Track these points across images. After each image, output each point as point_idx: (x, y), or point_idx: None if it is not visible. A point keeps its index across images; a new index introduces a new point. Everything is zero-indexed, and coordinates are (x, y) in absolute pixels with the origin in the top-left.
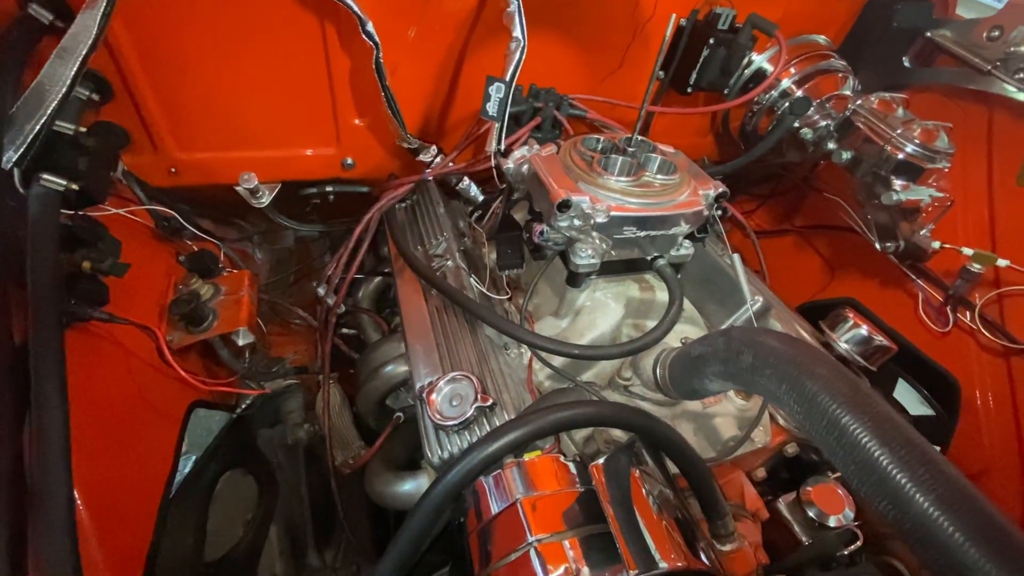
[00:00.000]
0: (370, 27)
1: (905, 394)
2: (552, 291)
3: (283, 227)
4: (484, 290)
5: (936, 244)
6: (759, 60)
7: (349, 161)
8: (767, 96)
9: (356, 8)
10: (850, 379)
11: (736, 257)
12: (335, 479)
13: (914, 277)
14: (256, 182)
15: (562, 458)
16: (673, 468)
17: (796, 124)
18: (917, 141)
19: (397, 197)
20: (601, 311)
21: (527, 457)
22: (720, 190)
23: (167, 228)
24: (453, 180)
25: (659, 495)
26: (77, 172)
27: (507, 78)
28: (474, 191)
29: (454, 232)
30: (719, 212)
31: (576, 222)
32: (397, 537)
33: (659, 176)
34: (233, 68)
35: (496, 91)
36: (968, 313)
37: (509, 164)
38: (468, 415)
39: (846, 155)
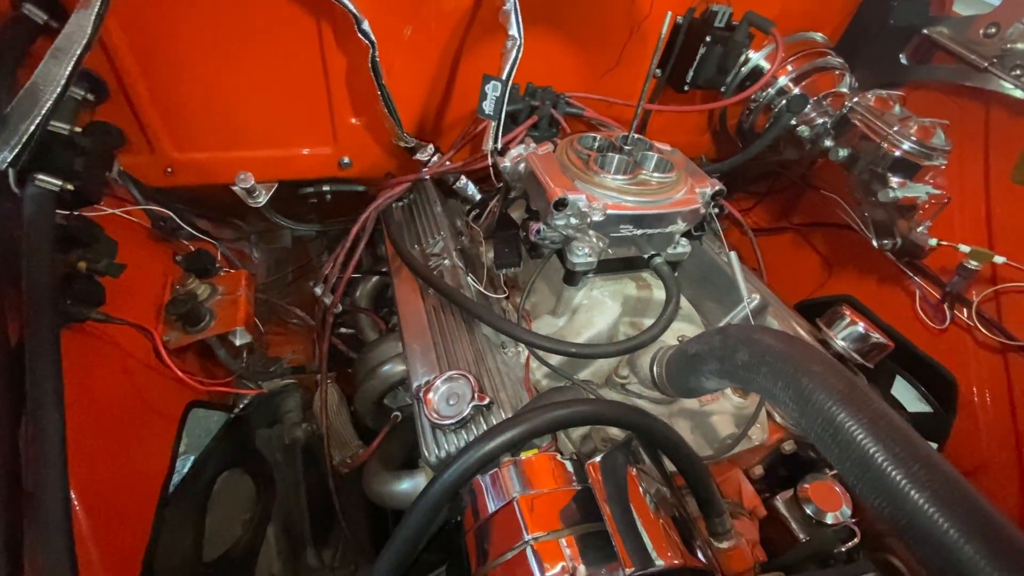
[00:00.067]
0: (366, 26)
1: (903, 391)
2: (549, 289)
3: (280, 227)
4: (481, 289)
5: (933, 241)
6: (756, 58)
7: (346, 160)
8: (764, 94)
9: (352, 7)
10: (846, 376)
11: (733, 255)
12: (333, 478)
13: (911, 274)
14: (253, 182)
15: (559, 456)
16: (670, 466)
17: (793, 122)
18: (914, 138)
19: (394, 196)
20: (598, 309)
21: (524, 455)
22: (717, 188)
23: (163, 228)
24: (450, 179)
25: (656, 493)
26: (72, 172)
27: (503, 76)
28: (471, 190)
29: (451, 231)
30: (716, 210)
31: (573, 220)
32: (394, 536)
33: (656, 174)
34: (229, 67)
35: (492, 89)
36: (965, 310)
37: (506, 163)
38: (465, 414)
39: (843, 152)
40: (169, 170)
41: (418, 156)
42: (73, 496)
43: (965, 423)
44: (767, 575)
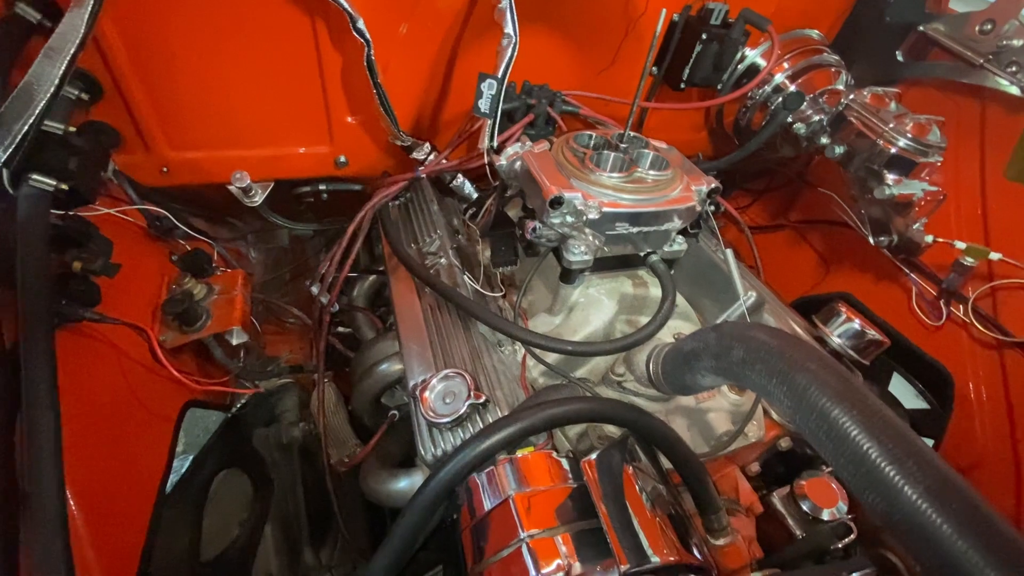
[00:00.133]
0: (361, 24)
1: (900, 388)
2: (546, 288)
3: (277, 226)
4: (478, 287)
5: (929, 238)
6: (752, 55)
7: (342, 159)
8: (760, 91)
9: (346, 5)
10: (840, 373)
11: (729, 252)
12: (330, 477)
13: (907, 271)
14: (249, 181)
15: (554, 454)
16: (667, 463)
17: (789, 119)
18: (909, 135)
19: (390, 195)
20: (594, 307)
21: (520, 453)
22: (712, 185)
23: (159, 228)
24: (447, 178)
25: (652, 491)
26: (67, 172)
27: (499, 74)
28: (468, 188)
29: (448, 229)
30: (712, 207)
31: (569, 219)
32: (391, 534)
33: (651, 172)
34: (224, 66)
35: (488, 88)
36: (961, 306)
37: (502, 161)
38: (461, 412)
39: (839, 150)
40: (165, 169)
41: (414, 155)
42: (69, 496)
43: (961, 419)
44: (763, 572)
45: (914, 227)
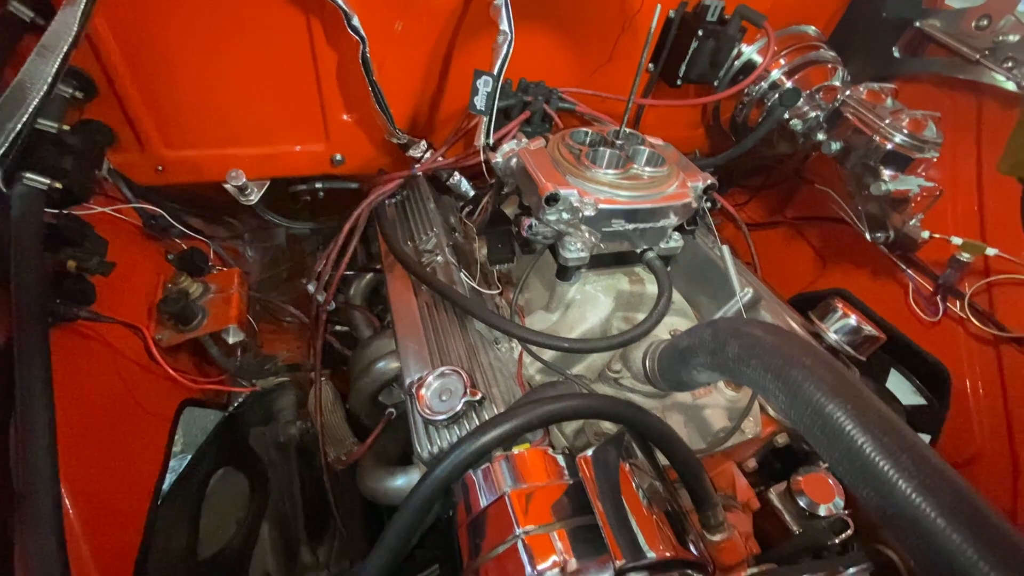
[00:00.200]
0: (356, 21)
1: (898, 384)
2: (543, 285)
3: (274, 225)
4: (475, 285)
5: (926, 234)
6: (748, 52)
7: (338, 157)
8: (757, 88)
9: (341, 2)
10: (835, 368)
11: (725, 249)
12: (328, 476)
13: (904, 267)
14: (244, 179)
15: (550, 451)
16: (663, 460)
17: (786, 115)
18: (905, 131)
19: (386, 193)
20: (591, 304)
21: (516, 450)
22: (708, 182)
23: (155, 226)
24: (444, 175)
25: (649, 488)
26: (61, 171)
27: (495, 71)
28: (465, 186)
29: (444, 227)
30: (708, 204)
31: (565, 215)
32: (387, 531)
33: (647, 168)
34: (218, 64)
35: (484, 85)
36: (958, 302)
37: (498, 158)
38: (457, 409)
39: (836, 146)
40: (160, 168)
41: (411, 152)
42: (64, 495)
43: (958, 415)
44: (760, 567)
45: (911, 223)
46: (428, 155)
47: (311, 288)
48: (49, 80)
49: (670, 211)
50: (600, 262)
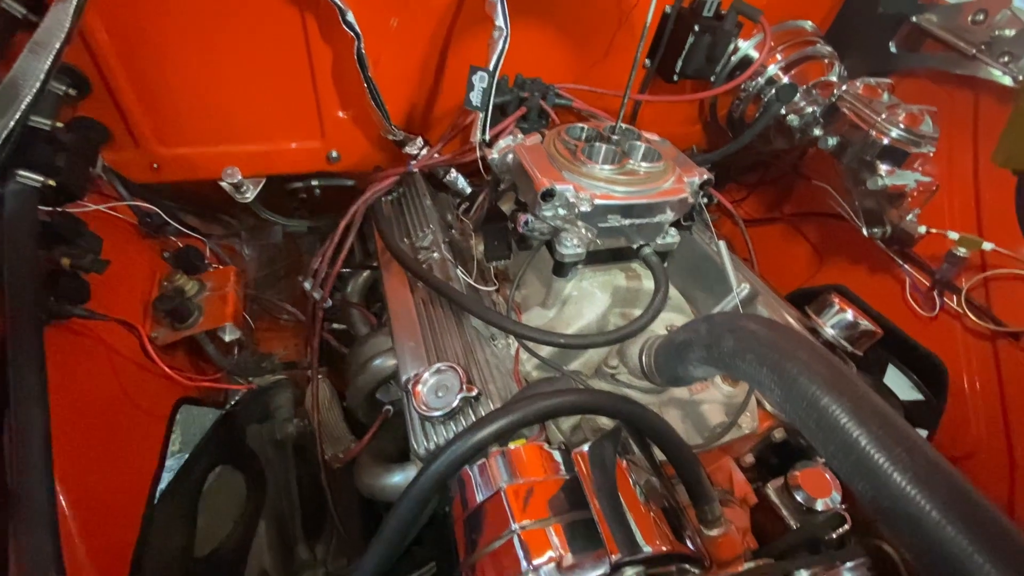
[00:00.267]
0: (350, 17)
1: (895, 379)
2: (539, 281)
3: (270, 223)
4: (471, 282)
5: (922, 229)
6: (745, 47)
7: (334, 154)
8: (753, 83)
9: None
10: (830, 362)
11: (722, 244)
12: (325, 473)
13: (901, 262)
14: (240, 177)
15: (546, 446)
16: (660, 456)
17: (783, 111)
18: (902, 126)
19: (382, 189)
20: (588, 300)
21: (512, 445)
22: (705, 177)
23: (150, 224)
24: (440, 172)
25: (646, 484)
26: (54, 168)
27: (490, 67)
28: (462, 183)
29: (441, 224)
30: (704, 199)
31: (561, 211)
32: (383, 527)
33: (643, 164)
34: (213, 60)
35: (480, 81)
36: (955, 297)
37: (494, 154)
38: (453, 406)
39: (832, 141)
40: (155, 166)
41: (407, 149)
42: (60, 493)
43: (955, 410)
44: (757, 562)
45: (907, 218)
46: (424, 152)
47: (307, 285)
48: (42, 77)
49: (666, 206)
50: (597, 258)
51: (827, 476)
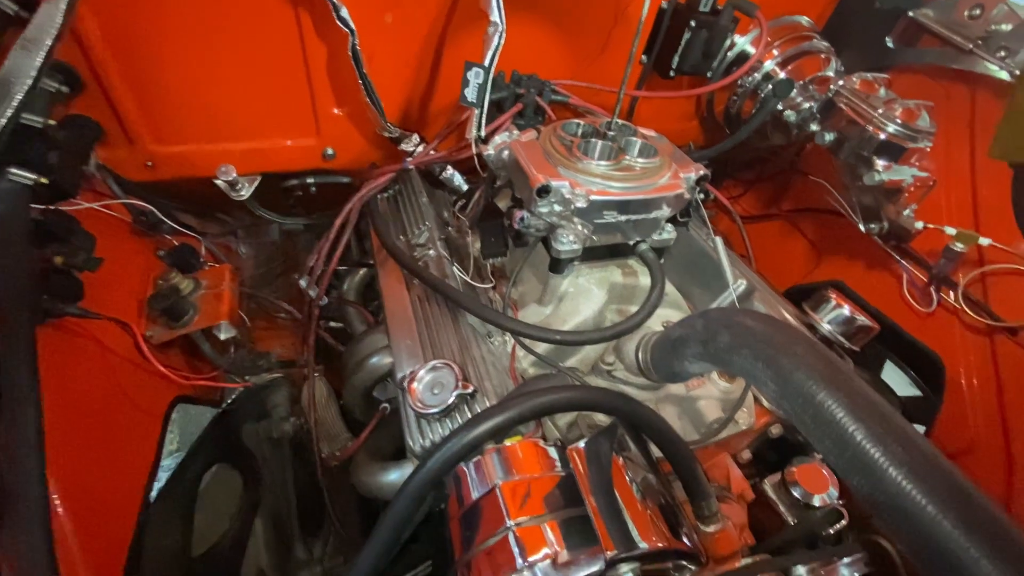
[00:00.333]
0: (344, 13)
1: (893, 375)
2: (536, 278)
3: (266, 221)
4: (468, 279)
5: (919, 224)
6: (742, 42)
7: (330, 151)
8: (750, 79)
9: None
10: (826, 357)
11: (718, 240)
12: (322, 471)
13: (898, 258)
14: (235, 174)
15: (542, 443)
16: (657, 453)
17: (779, 106)
18: (899, 121)
19: (378, 187)
20: (584, 297)
21: (508, 442)
22: (701, 173)
23: (145, 223)
24: (437, 170)
25: (642, 481)
26: (47, 166)
27: (486, 63)
28: (458, 180)
29: (437, 221)
30: (701, 195)
31: (556, 207)
32: (378, 525)
33: (639, 159)
34: (206, 57)
35: (475, 76)
36: (952, 292)
37: (489, 151)
38: (449, 403)
39: (829, 137)
40: (149, 163)
41: (403, 146)
42: (54, 493)
43: (952, 405)
44: (754, 558)
45: (904, 214)
46: (420, 149)
47: (303, 283)
48: (33, 75)
49: (662, 202)
50: (593, 254)
51: (824, 472)
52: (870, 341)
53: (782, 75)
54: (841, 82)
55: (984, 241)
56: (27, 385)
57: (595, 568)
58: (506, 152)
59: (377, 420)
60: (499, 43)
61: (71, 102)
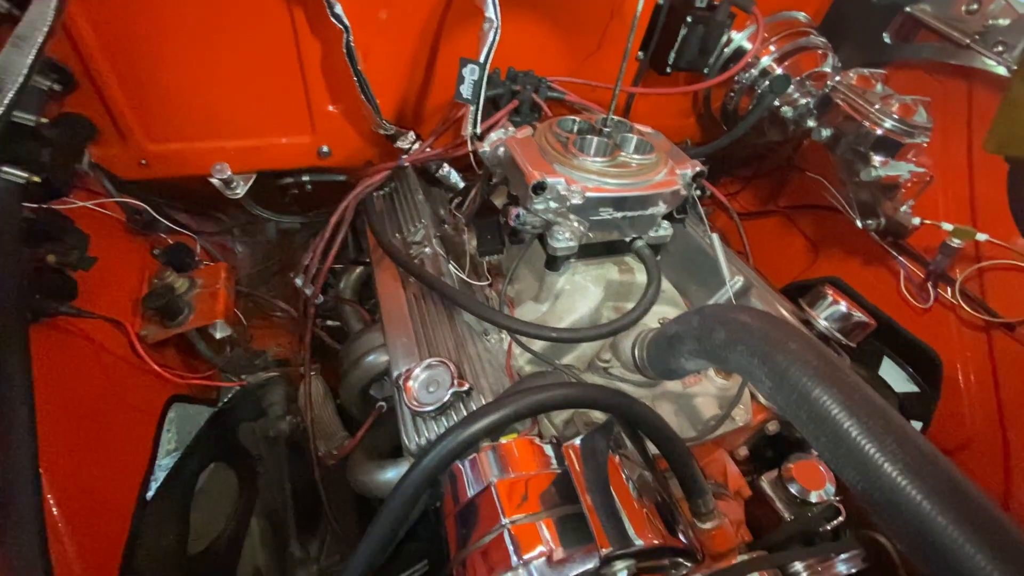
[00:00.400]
0: (338, 9)
1: (891, 371)
2: (533, 276)
3: (262, 219)
4: (464, 276)
5: (916, 220)
6: (738, 38)
7: (325, 149)
8: (747, 75)
9: None
10: (821, 353)
11: (715, 237)
12: (319, 470)
13: (896, 254)
14: (229, 172)
15: (538, 440)
16: (653, 450)
17: (776, 102)
18: (895, 116)
19: (374, 184)
20: (580, 294)
21: (503, 440)
22: (697, 169)
23: (139, 221)
24: (433, 167)
25: (638, 478)
26: (39, 164)
27: (481, 59)
28: (454, 177)
29: (433, 219)
30: (697, 192)
31: (552, 204)
32: (374, 522)
33: (635, 156)
34: (200, 54)
35: (470, 73)
36: (949, 288)
37: (485, 148)
38: (444, 401)
39: (826, 132)
40: (143, 162)
41: (398, 144)
42: (47, 493)
43: (949, 401)
44: (751, 554)
45: (901, 209)
46: (416, 146)
47: (299, 282)
48: (24, 72)
49: (659, 199)
50: (589, 252)
51: (821, 468)
52: (867, 337)
53: (779, 71)
54: (838, 78)
55: (981, 237)
56: (20, 385)
57: (590, 565)
58: (502, 149)
59: (373, 418)
60: (494, 39)
61: (64, 100)
